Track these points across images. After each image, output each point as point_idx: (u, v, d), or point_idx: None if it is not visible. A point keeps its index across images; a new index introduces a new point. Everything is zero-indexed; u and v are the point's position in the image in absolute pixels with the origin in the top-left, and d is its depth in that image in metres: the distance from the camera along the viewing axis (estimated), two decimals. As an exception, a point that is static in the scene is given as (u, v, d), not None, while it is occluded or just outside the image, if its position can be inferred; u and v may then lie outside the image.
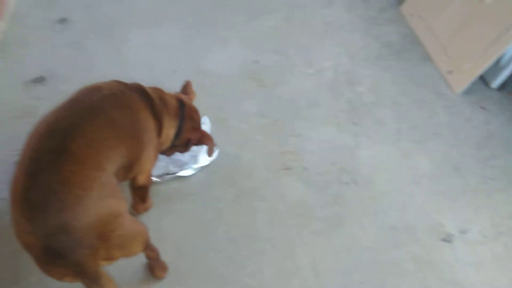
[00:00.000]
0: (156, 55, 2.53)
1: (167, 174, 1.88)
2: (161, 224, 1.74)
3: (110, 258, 1.22)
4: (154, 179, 1.84)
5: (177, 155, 1.90)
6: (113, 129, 1.33)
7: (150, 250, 1.50)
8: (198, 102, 2.23)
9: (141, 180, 1.59)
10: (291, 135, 2.13)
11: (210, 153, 1.74)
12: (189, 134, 1.69)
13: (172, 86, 2.32)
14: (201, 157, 1.94)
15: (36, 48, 2.51)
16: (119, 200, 1.25)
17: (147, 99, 1.52)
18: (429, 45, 2.66)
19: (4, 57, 2.41)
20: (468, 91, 2.41)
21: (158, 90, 1.63)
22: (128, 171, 1.42)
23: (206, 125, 2.05)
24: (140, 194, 1.69)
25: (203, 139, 1.71)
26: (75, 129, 1.23)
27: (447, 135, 2.22)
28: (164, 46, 2.59)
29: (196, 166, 1.92)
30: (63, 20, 2.74)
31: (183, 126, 1.65)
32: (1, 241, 1.64)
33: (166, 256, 1.62)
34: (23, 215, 1.12)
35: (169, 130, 1.63)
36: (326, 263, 1.70)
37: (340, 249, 1.75)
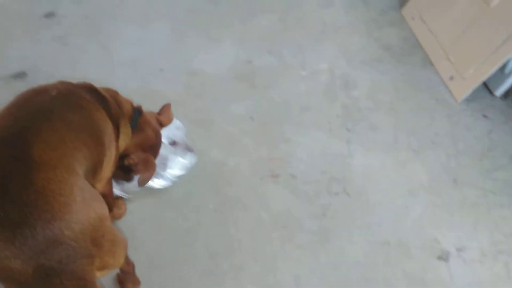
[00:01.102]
0: (143, 53, 2.42)
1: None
2: (134, 233, 1.62)
3: (104, 267, 1.11)
4: (124, 195, 1.69)
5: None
6: (70, 130, 1.21)
7: (126, 262, 1.38)
8: (185, 103, 2.14)
9: (99, 188, 1.45)
10: (281, 140, 2.02)
11: (140, 184, 1.53)
12: (130, 149, 1.51)
13: (157, 86, 2.23)
14: (174, 164, 1.75)
15: (19, 42, 2.41)
16: (101, 203, 1.15)
17: (100, 99, 1.40)
18: (431, 49, 2.54)
19: (-16, 52, 2.32)
20: (470, 99, 2.28)
21: (111, 91, 1.52)
22: (93, 176, 1.31)
23: (180, 130, 1.89)
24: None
25: (144, 164, 1.50)
26: (30, 134, 1.11)
27: (446, 144, 2.09)
28: (153, 44, 2.48)
29: (170, 175, 1.74)
30: (50, 15, 2.64)
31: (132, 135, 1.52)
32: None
33: (138, 267, 1.50)
34: (0, 239, 0.97)
35: (126, 136, 1.50)
36: (310, 280, 1.58)
37: (327, 264, 1.63)
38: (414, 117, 2.22)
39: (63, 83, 1.39)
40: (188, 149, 1.84)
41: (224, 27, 2.60)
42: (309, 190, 1.84)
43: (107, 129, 1.37)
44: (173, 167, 1.75)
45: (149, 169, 1.50)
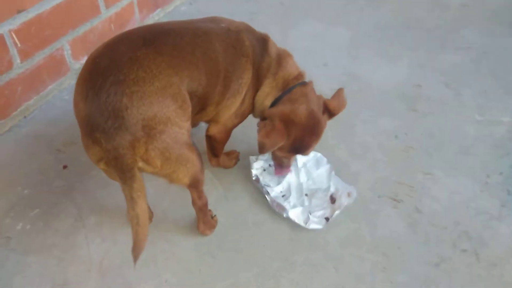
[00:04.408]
0: (315, 47, 2.44)
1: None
2: (232, 186, 1.59)
3: (148, 162, 1.10)
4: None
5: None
6: (205, 53, 1.27)
7: (197, 194, 1.34)
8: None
9: (212, 128, 1.49)
10: (420, 170, 1.74)
11: (258, 150, 1.34)
12: (270, 114, 1.37)
13: (315, 77, 2.19)
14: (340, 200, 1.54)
15: (219, 4, 2.70)
16: (181, 112, 1.15)
17: (260, 50, 1.40)
18: None
19: (190, 3, 2.66)
20: None
21: (283, 52, 1.48)
22: (200, 105, 1.33)
23: (323, 168, 1.68)
24: (211, 146, 1.59)
25: (266, 131, 1.33)
26: (172, 34, 1.22)
27: None
28: (328, 42, 2.48)
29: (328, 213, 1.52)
30: (253, -6, 2.89)
31: (278, 102, 1.41)
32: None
33: (222, 218, 1.47)
34: (84, 75, 1.11)
35: (264, 94, 1.43)
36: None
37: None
38: None
39: (244, 24, 1.46)
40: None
41: (407, 49, 2.43)
42: (431, 233, 1.52)
43: (241, 77, 1.37)
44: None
45: (270, 138, 1.33)
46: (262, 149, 1.35)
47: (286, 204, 1.54)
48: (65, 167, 1.67)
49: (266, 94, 1.46)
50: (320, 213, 1.53)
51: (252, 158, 1.65)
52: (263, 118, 1.44)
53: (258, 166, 1.64)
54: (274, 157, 1.54)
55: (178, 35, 1.24)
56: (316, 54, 2.38)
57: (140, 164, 1.10)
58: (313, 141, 1.41)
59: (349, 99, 2.05)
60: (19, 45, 1.75)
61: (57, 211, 1.54)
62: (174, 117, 1.12)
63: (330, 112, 1.46)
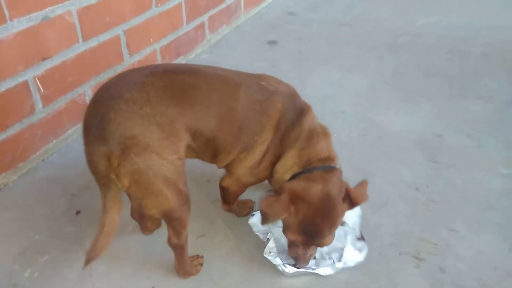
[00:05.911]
0: (333, 94, 2.44)
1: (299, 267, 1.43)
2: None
3: (118, 176, 1.13)
4: (281, 269, 1.43)
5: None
6: (221, 100, 1.29)
7: (173, 231, 1.28)
8: (352, 148, 2.01)
9: (226, 180, 1.48)
10: (444, 226, 1.65)
11: (261, 221, 1.27)
12: (283, 188, 1.27)
13: (333, 125, 2.16)
14: (348, 253, 1.47)
15: (241, 53, 2.75)
16: (164, 140, 1.16)
17: (293, 120, 1.35)
18: None
19: (211, 50, 2.71)
20: None
21: (321, 129, 1.39)
22: (211, 149, 1.34)
23: (355, 212, 1.59)
24: (222, 193, 1.58)
25: (269, 202, 1.25)
26: (199, 74, 1.28)
27: None
28: (346, 89, 2.49)
29: (339, 265, 1.45)
30: (273, 42, 2.97)
31: (295, 178, 1.33)
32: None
33: (234, 272, 1.41)
34: (96, 95, 1.24)
35: (285, 167, 1.36)
36: None
37: None
38: None
39: (288, 86, 1.44)
40: (359, 237, 1.55)
41: (427, 97, 2.41)
42: (455, 295, 1.42)
43: (258, 134, 1.34)
44: (348, 257, 1.47)
45: (271, 208, 1.24)
46: (264, 219, 1.26)
47: (311, 264, 1.46)
48: (78, 212, 1.66)
49: (287, 168, 1.37)
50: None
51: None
52: (275, 191, 1.34)
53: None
54: (290, 249, 1.39)
55: (203, 78, 1.28)
56: (334, 101, 2.38)
57: (112, 176, 1.13)
58: (326, 225, 1.27)
59: (368, 147, 2.05)
60: (42, 90, 1.80)
61: (66, 258, 1.50)
62: (155, 145, 1.14)
63: (351, 200, 1.31)
